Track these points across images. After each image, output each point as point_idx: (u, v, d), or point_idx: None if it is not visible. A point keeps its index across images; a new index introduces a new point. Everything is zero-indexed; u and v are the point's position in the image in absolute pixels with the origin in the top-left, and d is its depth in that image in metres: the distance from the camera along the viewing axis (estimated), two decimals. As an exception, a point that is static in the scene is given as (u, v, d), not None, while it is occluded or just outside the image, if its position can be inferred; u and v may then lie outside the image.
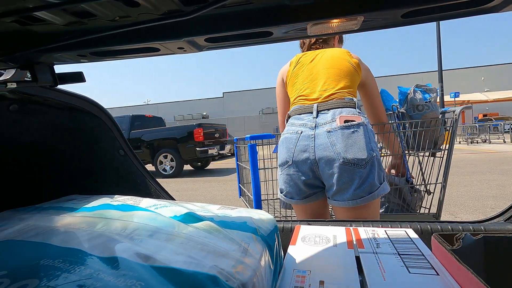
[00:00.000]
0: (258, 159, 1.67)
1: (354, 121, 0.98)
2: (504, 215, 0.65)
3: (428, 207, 1.58)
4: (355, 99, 1.06)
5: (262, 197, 1.85)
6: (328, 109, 1.03)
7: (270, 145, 1.82)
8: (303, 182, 1.03)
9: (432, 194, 1.57)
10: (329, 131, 0.98)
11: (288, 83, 1.21)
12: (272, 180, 2.00)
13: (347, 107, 1.02)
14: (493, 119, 17.57)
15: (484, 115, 20.03)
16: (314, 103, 1.06)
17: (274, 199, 1.94)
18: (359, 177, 0.93)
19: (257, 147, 1.67)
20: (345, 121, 0.98)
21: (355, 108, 1.03)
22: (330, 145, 0.96)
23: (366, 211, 0.96)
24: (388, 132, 1.30)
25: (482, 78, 24.26)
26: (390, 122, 1.60)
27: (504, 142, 11.78)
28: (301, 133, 1.03)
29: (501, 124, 13.06)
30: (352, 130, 0.96)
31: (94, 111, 0.72)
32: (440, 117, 1.51)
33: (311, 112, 1.05)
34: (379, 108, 1.26)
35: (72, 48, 0.42)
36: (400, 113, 1.54)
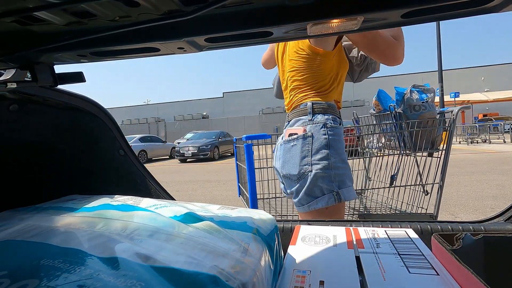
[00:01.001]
0: (254, 159, 1.68)
1: (296, 133, 0.98)
2: (504, 215, 0.65)
3: (426, 207, 1.58)
4: (309, 102, 0.98)
5: (261, 196, 1.85)
6: (289, 121, 1.07)
7: (267, 145, 1.83)
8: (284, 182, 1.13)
9: (429, 194, 1.57)
10: (281, 145, 1.04)
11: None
12: (268, 179, 2.00)
13: (300, 116, 1.01)
14: (493, 119, 17.57)
15: (484, 115, 20.02)
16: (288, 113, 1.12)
17: (270, 198, 1.94)
18: (295, 189, 0.98)
19: (256, 147, 1.67)
20: (289, 135, 1.00)
21: (307, 114, 0.98)
22: (278, 159, 1.04)
23: (319, 217, 0.96)
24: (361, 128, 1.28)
25: (482, 78, 24.26)
26: (387, 122, 1.60)
27: (504, 142, 11.79)
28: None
29: (501, 124, 13.07)
30: (292, 144, 0.98)
31: (94, 111, 0.72)
32: (437, 117, 1.51)
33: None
34: (381, 48, 0.91)
35: (72, 48, 0.42)
36: (397, 113, 1.54)
